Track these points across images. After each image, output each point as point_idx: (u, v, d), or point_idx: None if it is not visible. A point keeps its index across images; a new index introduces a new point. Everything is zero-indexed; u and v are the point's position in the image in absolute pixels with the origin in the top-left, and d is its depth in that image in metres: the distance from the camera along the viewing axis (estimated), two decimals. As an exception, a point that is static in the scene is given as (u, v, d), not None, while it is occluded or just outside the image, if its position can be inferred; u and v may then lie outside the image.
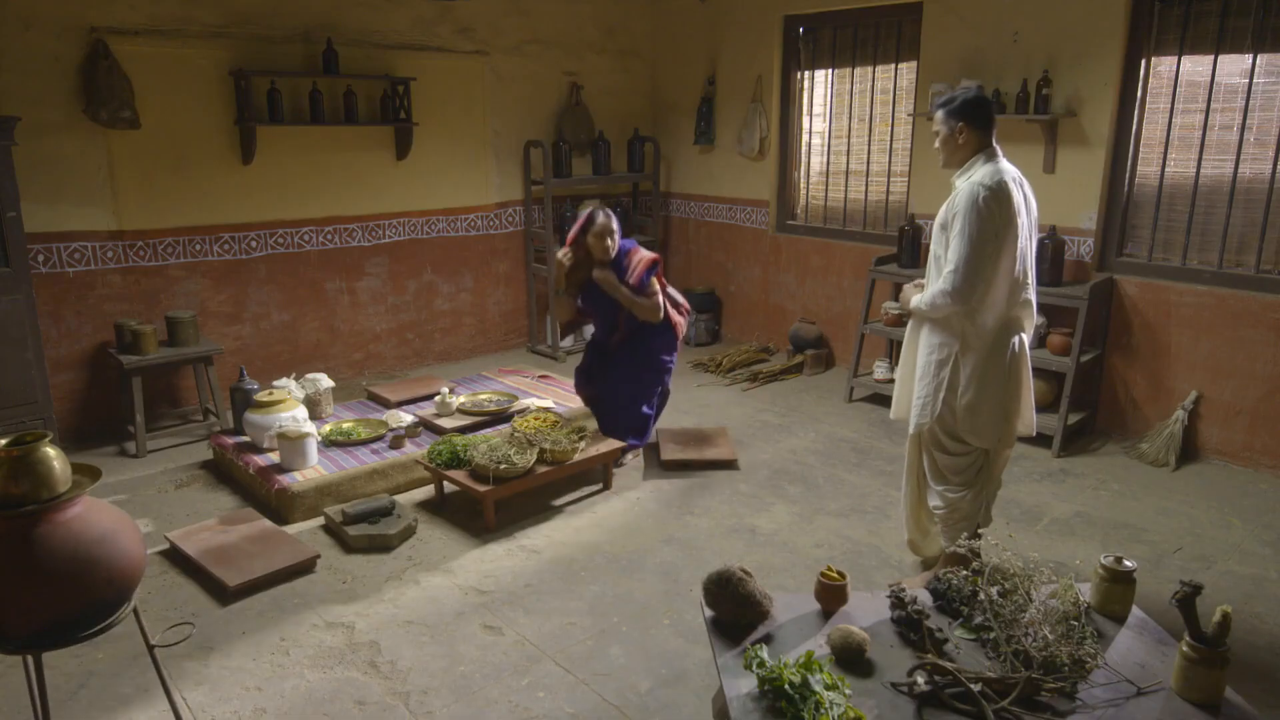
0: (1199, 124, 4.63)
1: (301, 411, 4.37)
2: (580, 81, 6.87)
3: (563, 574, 3.54)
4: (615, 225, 4.36)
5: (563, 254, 4.37)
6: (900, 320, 5.48)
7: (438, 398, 4.85)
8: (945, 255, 3.02)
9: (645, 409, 4.56)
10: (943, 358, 3.10)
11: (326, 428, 4.58)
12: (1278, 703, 2.78)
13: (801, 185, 6.66)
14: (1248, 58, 4.42)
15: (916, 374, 3.22)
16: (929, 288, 3.12)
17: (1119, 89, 4.78)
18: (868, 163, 6.18)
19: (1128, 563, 2.46)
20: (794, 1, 6.21)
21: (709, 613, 2.46)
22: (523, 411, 4.69)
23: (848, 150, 6.29)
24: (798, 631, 2.41)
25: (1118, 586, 2.45)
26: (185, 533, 3.73)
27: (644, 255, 4.42)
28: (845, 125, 6.29)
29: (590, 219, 4.34)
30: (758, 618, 2.42)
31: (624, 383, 4.52)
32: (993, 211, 2.89)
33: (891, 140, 6.02)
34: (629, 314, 4.42)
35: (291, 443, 4.09)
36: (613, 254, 4.35)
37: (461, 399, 4.94)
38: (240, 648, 3.05)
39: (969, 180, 2.98)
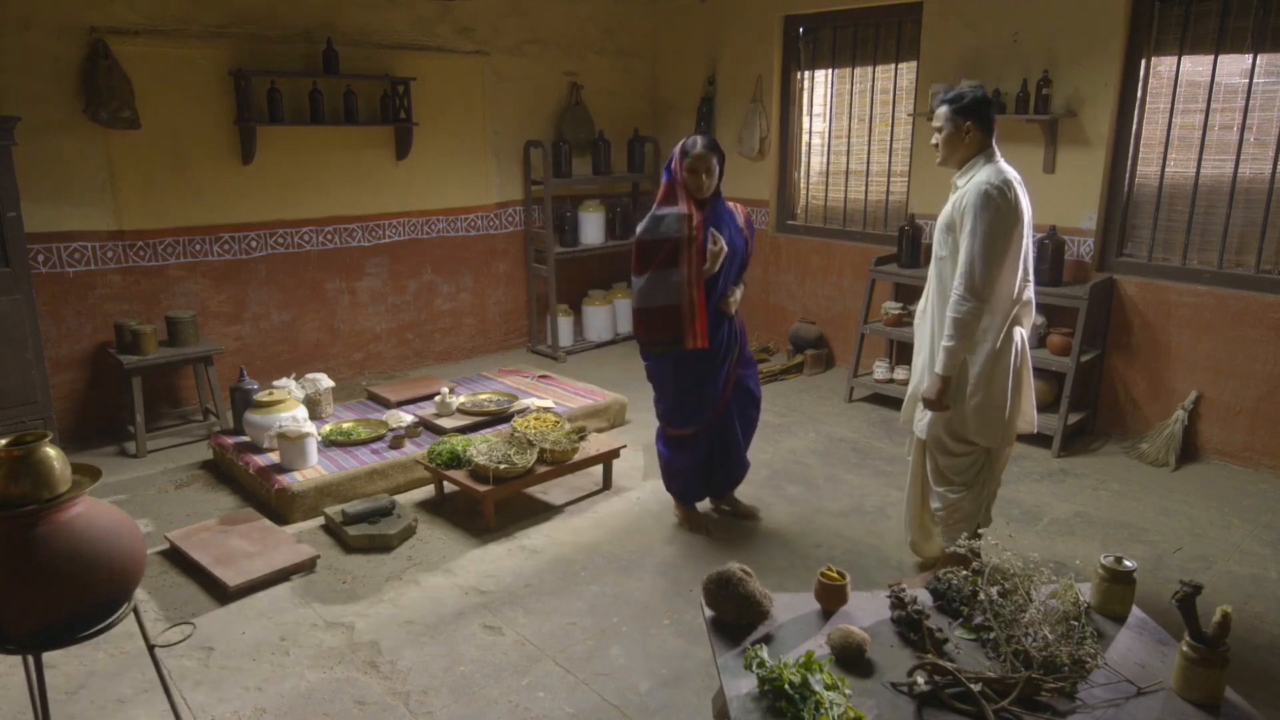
0: (1199, 124, 4.63)
1: (301, 411, 4.37)
2: (580, 81, 6.87)
3: (563, 574, 3.54)
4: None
5: (720, 245, 3.53)
6: (900, 320, 5.49)
7: (438, 398, 4.85)
8: (950, 257, 3.03)
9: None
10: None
11: (326, 428, 4.58)
12: (1278, 702, 2.78)
13: (801, 185, 6.66)
14: (1248, 58, 4.42)
15: (921, 378, 3.23)
16: (927, 306, 3.14)
17: (1119, 89, 4.78)
18: (868, 163, 6.18)
19: (1128, 563, 2.46)
20: (794, 1, 6.21)
21: (709, 613, 2.46)
22: (523, 411, 4.68)
23: (848, 150, 6.29)
24: (798, 631, 2.41)
25: (1118, 586, 2.45)
26: (185, 533, 3.73)
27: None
28: (845, 125, 6.28)
29: (688, 145, 3.50)
30: (758, 618, 2.42)
31: (751, 399, 3.85)
32: (1002, 210, 2.90)
33: (891, 140, 6.02)
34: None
35: (291, 443, 4.09)
36: (708, 191, 3.54)
37: (461, 399, 4.94)
38: (240, 648, 3.05)
39: (973, 180, 2.98)
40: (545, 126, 6.77)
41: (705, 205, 3.53)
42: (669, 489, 3.96)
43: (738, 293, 3.66)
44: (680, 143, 3.56)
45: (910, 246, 5.48)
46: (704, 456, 3.79)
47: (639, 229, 3.55)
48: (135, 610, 2.23)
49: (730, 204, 3.68)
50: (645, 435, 5.03)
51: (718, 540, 3.81)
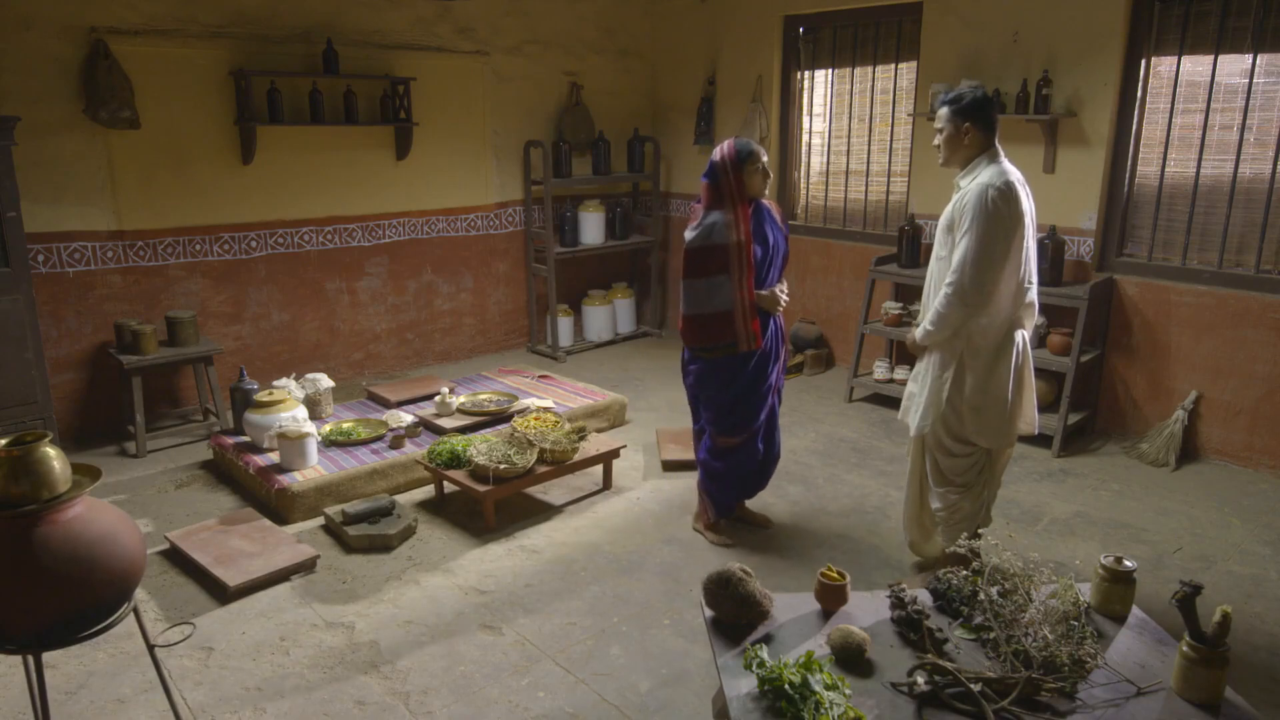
0: (1199, 124, 4.63)
1: (301, 411, 4.37)
2: (580, 81, 6.87)
3: (563, 574, 3.54)
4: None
5: (784, 293, 3.62)
6: (900, 320, 5.49)
7: (438, 398, 4.85)
8: (949, 257, 3.03)
9: None
10: (946, 360, 3.10)
11: (326, 428, 4.57)
12: (1278, 702, 2.78)
13: (801, 185, 6.66)
14: (1248, 58, 4.42)
15: (919, 376, 3.23)
16: (928, 304, 3.13)
17: (1119, 89, 4.78)
18: (868, 163, 6.18)
19: (1128, 563, 2.46)
20: (794, 1, 6.21)
21: (709, 613, 2.46)
22: (523, 411, 4.68)
23: (848, 150, 6.29)
24: (798, 631, 2.41)
25: (1118, 586, 2.45)
26: (185, 533, 3.73)
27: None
28: (845, 125, 6.28)
29: (745, 148, 3.43)
30: (758, 618, 2.42)
31: (778, 394, 3.79)
32: (1002, 212, 2.89)
33: (891, 140, 6.02)
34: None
35: (291, 443, 4.09)
36: (764, 193, 3.55)
37: (461, 399, 4.94)
38: (240, 648, 3.05)
39: (976, 181, 2.98)
40: (545, 126, 6.77)
41: (749, 206, 3.50)
42: (714, 500, 3.77)
43: (783, 287, 3.64)
44: (729, 146, 3.46)
45: (910, 246, 5.48)
46: (759, 459, 3.71)
47: (688, 237, 3.50)
48: (135, 610, 2.24)
49: (765, 202, 3.63)
50: (645, 435, 5.04)
51: (717, 540, 3.81)
